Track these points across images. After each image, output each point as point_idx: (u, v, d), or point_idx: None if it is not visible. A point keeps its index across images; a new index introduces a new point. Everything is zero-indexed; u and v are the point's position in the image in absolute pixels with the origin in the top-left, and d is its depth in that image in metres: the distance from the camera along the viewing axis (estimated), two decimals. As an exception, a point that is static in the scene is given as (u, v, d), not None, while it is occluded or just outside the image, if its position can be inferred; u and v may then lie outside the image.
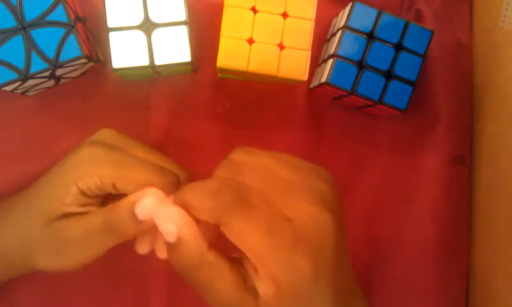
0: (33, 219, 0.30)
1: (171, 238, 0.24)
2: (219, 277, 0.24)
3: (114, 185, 0.29)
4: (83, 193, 0.29)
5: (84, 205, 0.30)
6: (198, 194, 0.24)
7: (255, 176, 0.25)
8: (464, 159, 0.40)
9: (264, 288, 0.23)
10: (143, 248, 0.31)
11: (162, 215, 0.25)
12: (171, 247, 0.25)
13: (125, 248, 0.32)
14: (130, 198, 0.27)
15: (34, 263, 0.30)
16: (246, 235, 0.23)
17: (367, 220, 0.40)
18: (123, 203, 0.27)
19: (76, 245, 0.28)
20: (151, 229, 0.28)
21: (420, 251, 0.40)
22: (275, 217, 0.23)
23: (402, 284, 0.40)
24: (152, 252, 0.37)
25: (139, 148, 0.32)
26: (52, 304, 0.37)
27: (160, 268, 0.38)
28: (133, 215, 0.26)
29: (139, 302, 0.38)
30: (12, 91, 0.34)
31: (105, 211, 0.28)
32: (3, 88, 0.32)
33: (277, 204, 0.24)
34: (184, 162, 0.35)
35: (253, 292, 0.23)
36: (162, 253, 0.31)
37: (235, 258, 0.25)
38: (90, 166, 0.29)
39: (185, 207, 0.25)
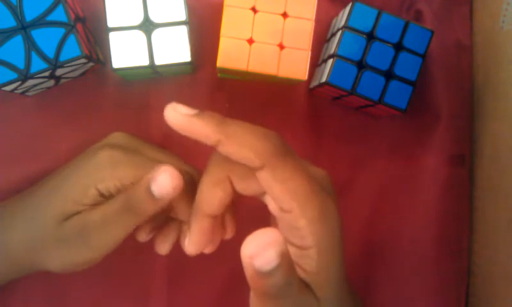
0: (45, 220, 0.30)
1: (269, 266, 0.20)
2: (299, 291, 0.24)
3: None
4: (101, 195, 0.30)
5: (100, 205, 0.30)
6: (248, 131, 0.25)
7: None
8: (464, 159, 0.40)
9: (308, 242, 0.24)
10: (142, 235, 0.31)
11: (262, 241, 0.20)
12: (261, 274, 0.21)
13: (125, 248, 0.32)
14: (147, 176, 0.27)
15: (45, 264, 0.30)
16: (291, 180, 0.24)
17: (366, 220, 0.40)
18: (141, 182, 0.27)
19: (97, 231, 0.29)
20: (155, 216, 0.28)
21: (420, 251, 0.40)
22: (305, 166, 0.26)
23: (402, 284, 0.40)
24: (152, 253, 0.38)
25: (151, 149, 0.33)
26: (51, 305, 0.37)
27: (160, 268, 0.38)
28: (150, 193, 0.26)
29: (139, 302, 0.38)
30: (12, 91, 0.34)
31: (124, 192, 0.28)
32: (3, 88, 0.32)
33: None
34: (185, 162, 0.35)
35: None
36: (162, 248, 0.31)
37: None
38: (111, 168, 0.30)
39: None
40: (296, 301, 0.24)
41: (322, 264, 0.25)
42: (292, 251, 0.25)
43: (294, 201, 0.24)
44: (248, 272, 0.21)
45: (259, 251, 0.20)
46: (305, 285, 0.25)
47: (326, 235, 0.24)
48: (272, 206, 0.26)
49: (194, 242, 0.27)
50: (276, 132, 0.25)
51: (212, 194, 0.27)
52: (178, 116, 0.24)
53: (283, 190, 0.24)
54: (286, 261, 0.21)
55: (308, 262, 0.25)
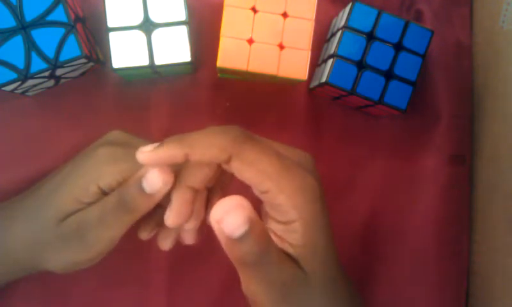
0: (46, 220, 0.30)
1: (239, 232, 0.23)
2: (278, 259, 0.25)
3: None
4: (103, 192, 0.30)
5: None
6: (207, 134, 0.25)
7: None
8: (464, 159, 0.40)
9: (291, 216, 0.25)
10: (144, 234, 0.31)
11: (228, 205, 0.23)
12: (234, 242, 0.23)
13: (125, 248, 0.32)
14: (139, 173, 0.27)
15: (45, 264, 0.30)
16: (259, 161, 0.24)
17: (366, 220, 0.40)
18: (132, 179, 0.28)
19: (94, 228, 0.29)
20: (156, 214, 0.29)
21: (420, 251, 0.40)
22: (277, 149, 0.26)
23: (402, 284, 0.40)
24: (152, 252, 0.38)
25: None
26: (51, 304, 0.37)
27: (160, 268, 0.38)
28: (141, 189, 0.27)
29: (139, 302, 0.38)
30: (12, 91, 0.34)
31: (118, 189, 0.29)
32: (3, 88, 0.32)
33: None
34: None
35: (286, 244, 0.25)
36: (165, 244, 0.31)
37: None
38: (110, 164, 0.30)
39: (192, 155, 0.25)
40: (279, 271, 0.24)
41: (307, 236, 0.25)
42: (280, 228, 0.26)
43: (267, 180, 0.24)
44: (222, 240, 0.23)
45: (226, 213, 0.22)
46: (292, 259, 0.25)
47: (307, 207, 0.25)
48: (256, 193, 0.27)
49: (174, 212, 0.27)
50: (233, 125, 0.26)
51: (197, 167, 0.27)
52: (145, 155, 0.25)
53: (254, 173, 0.25)
54: (257, 228, 0.23)
55: (294, 236, 0.25)
